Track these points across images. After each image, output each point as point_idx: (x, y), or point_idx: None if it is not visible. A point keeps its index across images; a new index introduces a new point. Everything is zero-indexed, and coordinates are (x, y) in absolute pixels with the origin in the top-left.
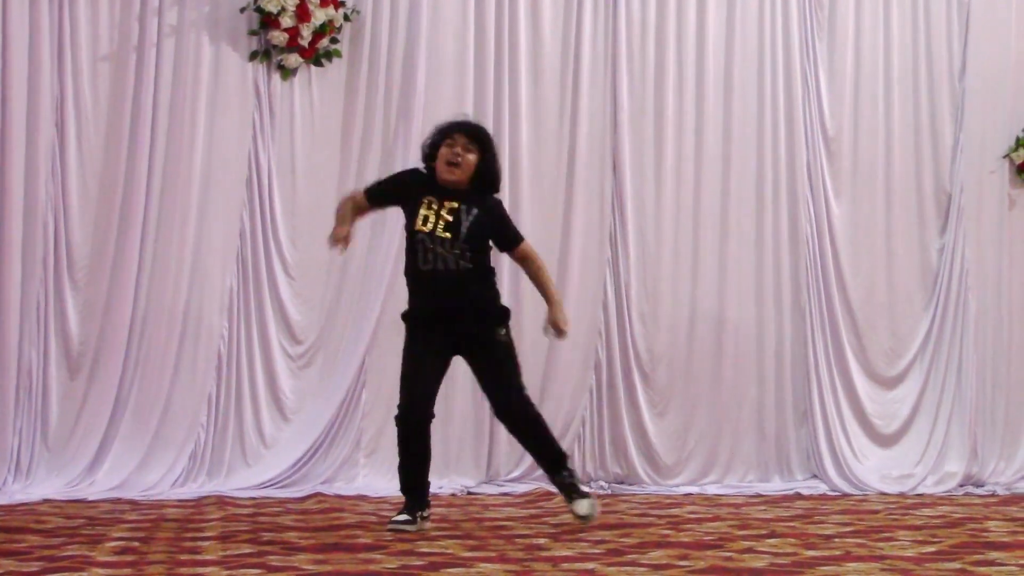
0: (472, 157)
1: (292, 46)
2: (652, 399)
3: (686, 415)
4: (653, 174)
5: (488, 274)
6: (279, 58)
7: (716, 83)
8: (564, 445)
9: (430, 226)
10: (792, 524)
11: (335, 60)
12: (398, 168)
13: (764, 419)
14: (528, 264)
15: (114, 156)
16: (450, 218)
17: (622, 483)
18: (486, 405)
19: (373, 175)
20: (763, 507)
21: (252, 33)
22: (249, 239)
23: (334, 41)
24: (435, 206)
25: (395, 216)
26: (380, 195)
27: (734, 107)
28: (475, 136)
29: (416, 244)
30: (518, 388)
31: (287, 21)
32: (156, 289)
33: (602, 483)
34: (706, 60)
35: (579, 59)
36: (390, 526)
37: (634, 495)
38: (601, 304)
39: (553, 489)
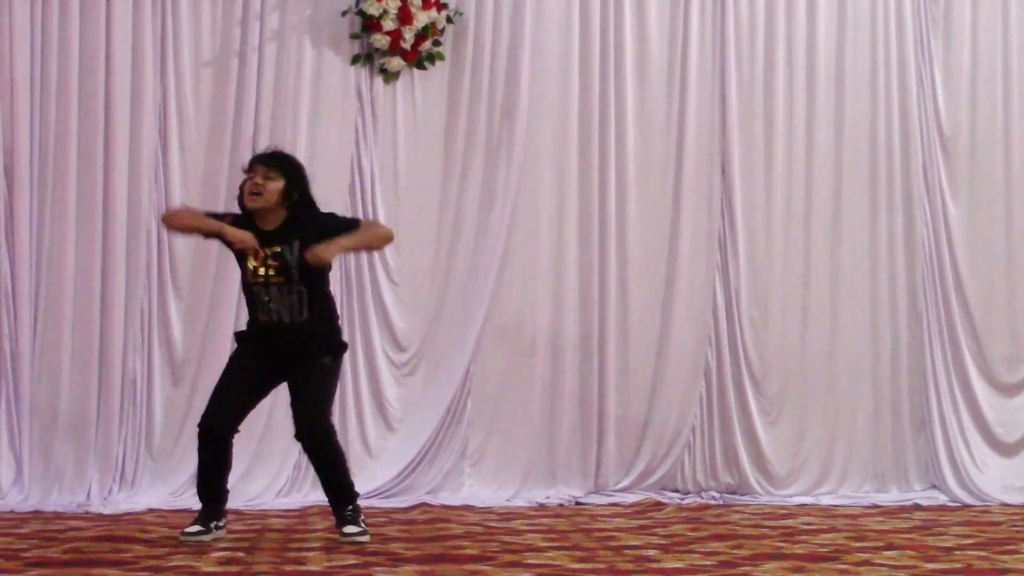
0: (274, 184)
1: (394, 49)
2: (764, 407)
3: (799, 423)
4: (763, 176)
5: (327, 309)
6: (381, 61)
7: (827, 82)
8: (674, 455)
9: (260, 277)
10: (910, 536)
11: (438, 63)
12: (501, 174)
13: (880, 427)
14: (371, 230)
15: (216, 162)
16: (276, 262)
17: (734, 493)
18: (594, 412)
19: (477, 178)
20: (880, 518)
21: (354, 36)
22: None
23: (437, 43)
24: (260, 253)
25: (497, 223)
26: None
27: (846, 106)
28: (272, 162)
29: (253, 295)
30: (323, 413)
31: (389, 24)
32: None
33: (713, 493)
34: (817, 58)
35: (686, 59)
36: (182, 538)
37: (746, 506)
38: (710, 310)
39: (660, 498)
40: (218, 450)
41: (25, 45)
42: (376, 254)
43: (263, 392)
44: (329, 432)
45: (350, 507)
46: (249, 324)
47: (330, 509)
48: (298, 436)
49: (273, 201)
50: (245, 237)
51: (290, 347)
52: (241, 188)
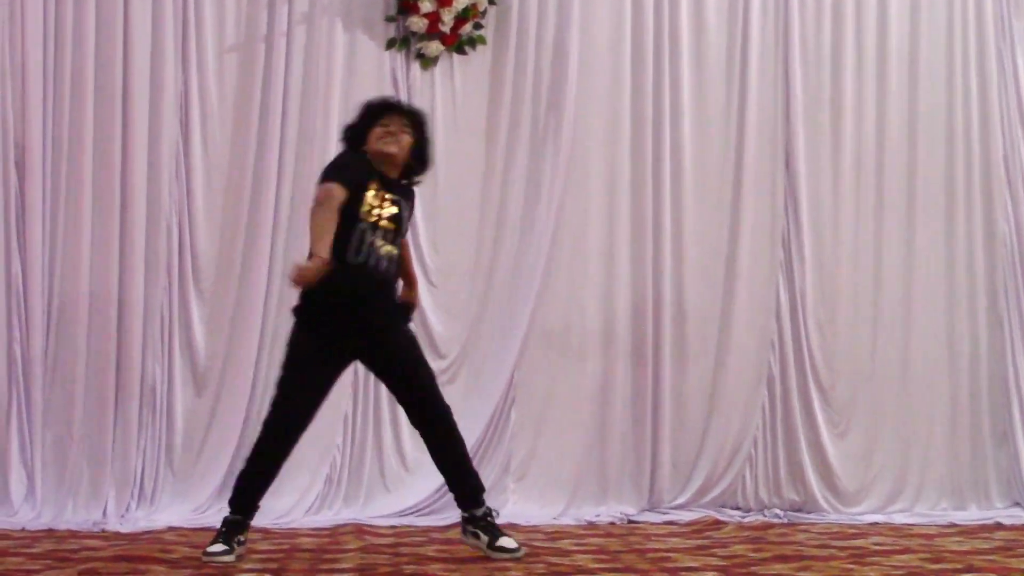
0: (407, 139)
1: (432, 32)
2: (832, 417)
3: (870, 435)
4: (830, 168)
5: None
6: (418, 46)
7: (900, 66)
8: (734, 469)
9: (375, 216)
10: (992, 558)
11: (479, 47)
12: (547, 167)
13: (958, 440)
14: (406, 249)
15: (242, 155)
16: (395, 209)
17: (799, 511)
18: (648, 423)
19: (521, 172)
20: (958, 538)
21: (389, 19)
22: None
23: (478, 27)
24: (380, 194)
25: (543, 218)
26: (351, 182)
27: (920, 92)
28: (409, 118)
29: (353, 233)
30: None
31: (427, 6)
32: (288, 298)
33: (777, 511)
34: (888, 40)
35: (747, 41)
36: (205, 559)
37: (813, 524)
38: (773, 312)
39: (720, 516)
40: (285, 452)
41: (38, 32)
42: (414, 253)
43: (331, 387)
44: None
45: (487, 509)
46: (326, 283)
47: (458, 513)
48: (424, 418)
49: (405, 156)
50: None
51: (377, 303)
52: (363, 130)
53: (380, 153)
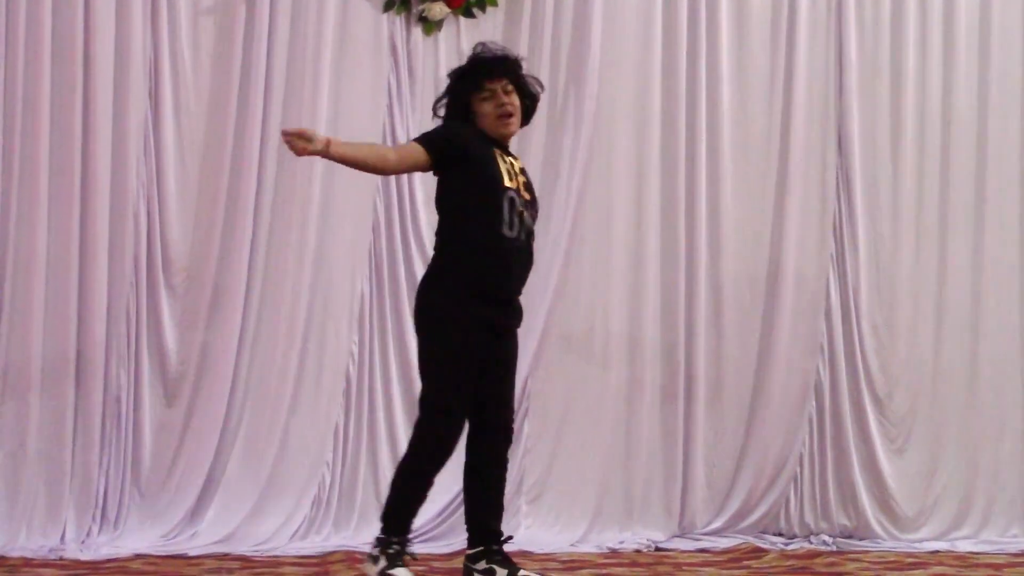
0: (516, 99)
1: None
2: (888, 431)
3: (932, 452)
4: (889, 150)
5: None
6: (420, 8)
7: (969, 32)
8: (777, 490)
9: (516, 183)
10: None
11: (489, 9)
12: (567, 146)
13: None
14: None
15: (219, 131)
16: (523, 178)
17: (850, 537)
18: (679, 437)
19: (537, 152)
20: None
21: None
22: (384, 234)
23: None
24: (507, 163)
25: (562, 206)
26: (446, 145)
27: (992, 62)
28: (511, 74)
29: (501, 203)
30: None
31: None
32: (271, 295)
33: (825, 537)
34: (956, 2)
35: (795, 5)
36: None
37: (866, 552)
38: (823, 312)
39: (760, 543)
40: (452, 449)
41: None
42: (414, 243)
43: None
44: None
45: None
46: (474, 254)
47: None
48: (490, 442)
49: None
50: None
51: (518, 285)
52: (465, 101)
53: (503, 135)
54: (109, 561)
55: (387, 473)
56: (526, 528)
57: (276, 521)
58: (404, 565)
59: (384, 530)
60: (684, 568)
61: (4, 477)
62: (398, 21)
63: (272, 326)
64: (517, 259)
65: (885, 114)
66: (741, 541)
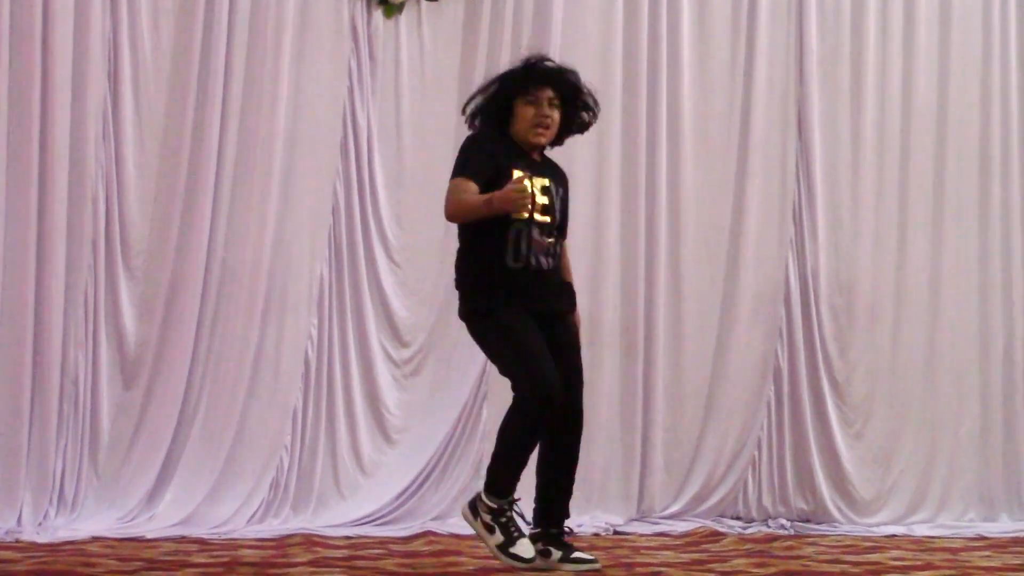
0: (557, 115)
1: None
2: (846, 416)
3: (889, 436)
4: (849, 137)
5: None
6: None
7: (929, 17)
8: (735, 474)
9: (526, 213)
10: None
11: None
12: None
13: (989, 442)
14: (565, 263)
15: (179, 115)
16: (545, 199)
17: (808, 521)
18: (637, 422)
19: None
20: (987, 552)
21: None
22: (344, 217)
23: None
24: (529, 183)
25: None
26: (484, 178)
27: (952, 46)
28: (562, 86)
29: (507, 237)
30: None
31: None
32: (230, 279)
33: (783, 521)
34: None
35: None
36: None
37: (823, 536)
38: (782, 298)
39: (718, 527)
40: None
41: None
42: (374, 227)
43: None
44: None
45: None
46: (487, 277)
47: (542, 529)
48: (558, 421)
49: (553, 136)
50: (518, 189)
51: (545, 298)
52: (506, 100)
53: (531, 143)
54: (66, 544)
55: (346, 457)
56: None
57: (234, 504)
58: (522, 535)
59: (489, 494)
60: (642, 552)
61: None
62: (359, 4)
63: (231, 309)
64: (529, 285)
65: (845, 101)
66: (699, 525)
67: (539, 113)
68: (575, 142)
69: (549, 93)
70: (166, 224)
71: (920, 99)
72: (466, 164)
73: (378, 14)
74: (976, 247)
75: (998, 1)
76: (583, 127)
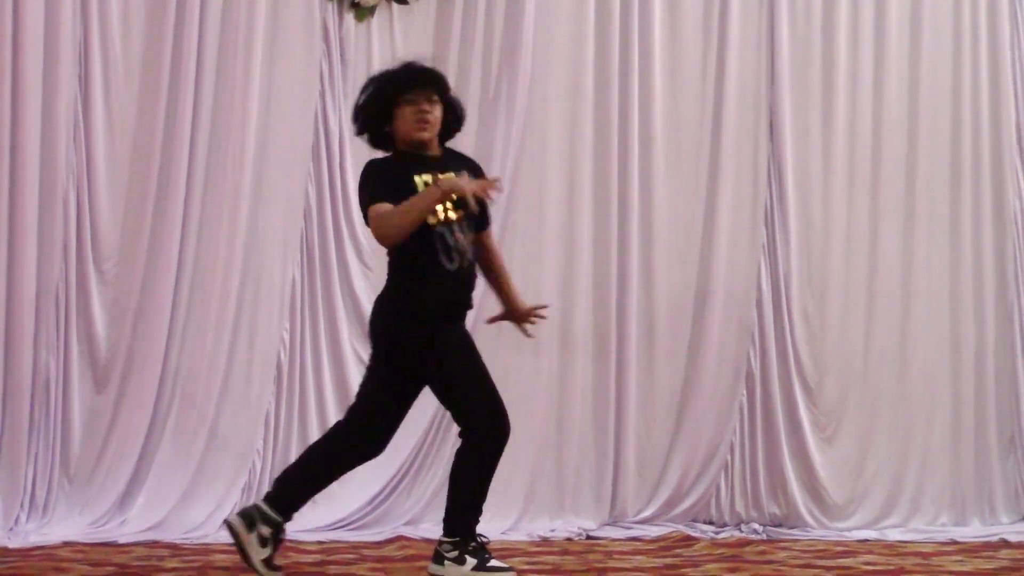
0: (438, 111)
1: None
2: (818, 420)
3: (862, 440)
4: (820, 140)
5: None
6: None
7: (900, 23)
8: (707, 479)
9: (441, 214)
10: None
11: None
12: (499, 132)
13: (960, 447)
14: (495, 252)
15: (150, 117)
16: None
17: (780, 526)
18: (609, 426)
19: (470, 138)
20: (959, 557)
21: None
22: (316, 220)
23: None
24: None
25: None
26: (394, 200)
27: (922, 53)
28: (435, 85)
29: (435, 239)
30: None
31: None
32: (201, 282)
33: (755, 526)
34: None
35: None
36: None
37: (795, 541)
38: (754, 301)
39: (691, 532)
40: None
41: None
42: (346, 230)
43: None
44: None
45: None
46: (423, 289)
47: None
48: (494, 431)
49: (436, 131)
50: (456, 182)
51: (470, 298)
52: (382, 111)
53: (414, 142)
54: (37, 549)
55: None
56: None
57: (206, 508)
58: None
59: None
60: (615, 556)
61: None
62: (331, 7)
63: (203, 313)
64: (461, 288)
65: (817, 104)
66: (672, 529)
67: (419, 110)
68: (547, 146)
69: (427, 92)
70: (137, 227)
71: (891, 103)
72: (374, 193)
73: (350, 17)
74: (947, 251)
75: (968, 6)
76: (458, 123)
